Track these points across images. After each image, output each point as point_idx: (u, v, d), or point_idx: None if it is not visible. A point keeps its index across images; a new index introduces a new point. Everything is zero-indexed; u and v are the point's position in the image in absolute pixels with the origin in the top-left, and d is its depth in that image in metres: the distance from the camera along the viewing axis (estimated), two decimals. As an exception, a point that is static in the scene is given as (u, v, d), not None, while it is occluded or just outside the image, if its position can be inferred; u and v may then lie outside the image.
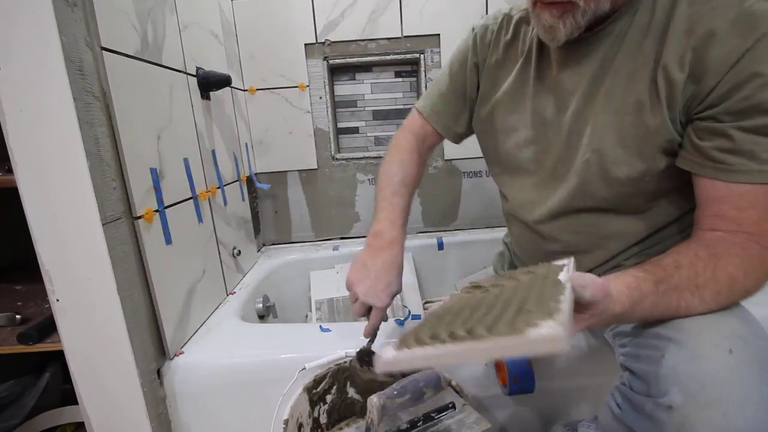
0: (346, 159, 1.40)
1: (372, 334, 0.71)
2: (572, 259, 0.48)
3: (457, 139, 0.82)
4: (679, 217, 0.61)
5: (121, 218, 0.65)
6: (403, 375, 0.65)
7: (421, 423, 0.59)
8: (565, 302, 0.36)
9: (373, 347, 0.70)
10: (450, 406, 0.61)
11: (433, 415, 0.60)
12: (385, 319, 0.73)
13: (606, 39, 0.57)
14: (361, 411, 0.74)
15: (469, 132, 0.81)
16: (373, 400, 0.58)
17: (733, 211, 0.50)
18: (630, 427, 0.48)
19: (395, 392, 0.59)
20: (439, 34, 1.31)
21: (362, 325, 0.84)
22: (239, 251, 1.12)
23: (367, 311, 0.70)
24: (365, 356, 0.69)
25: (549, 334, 0.33)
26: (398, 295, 1.24)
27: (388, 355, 0.39)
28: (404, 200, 0.77)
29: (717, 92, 0.49)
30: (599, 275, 0.51)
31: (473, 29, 0.76)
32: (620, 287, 0.46)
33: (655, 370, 0.47)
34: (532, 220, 0.70)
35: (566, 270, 0.45)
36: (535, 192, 0.69)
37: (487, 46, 0.74)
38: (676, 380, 0.44)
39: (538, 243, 0.72)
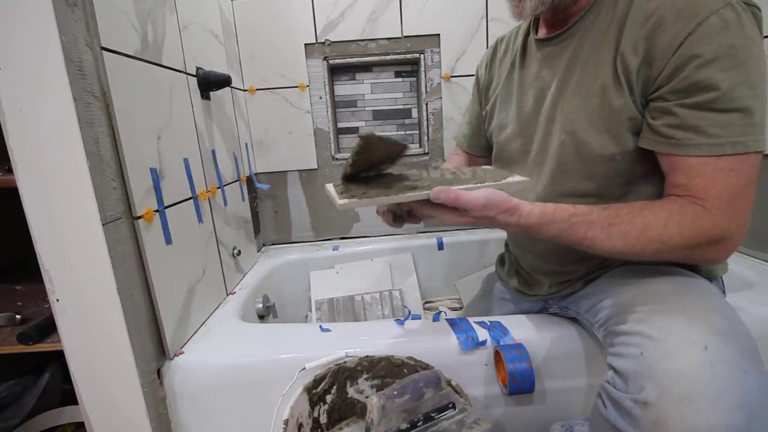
0: (346, 159, 1.39)
1: None
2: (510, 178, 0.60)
3: (482, 151, 0.94)
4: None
5: (121, 218, 0.65)
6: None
7: (421, 423, 0.59)
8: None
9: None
10: (450, 406, 0.61)
11: (433, 415, 0.60)
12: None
13: (576, 34, 0.64)
14: (361, 411, 0.74)
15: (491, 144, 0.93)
16: (373, 400, 0.58)
17: (683, 179, 0.54)
18: (613, 425, 0.49)
19: (395, 392, 0.59)
20: (439, 34, 1.31)
21: (362, 324, 0.84)
22: (239, 251, 1.12)
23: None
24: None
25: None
26: (398, 295, 1.24)
27: (341, 201, 0.55)
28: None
29: (663, 74, 0.53)
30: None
31: (477, 68, 0.91)
32: (535, 209, 0.57)
33: (634, 367, 0.49)
34: None
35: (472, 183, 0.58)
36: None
37: (485, 72, 0.86)
38: (651, 377, 0.46)
39: (528, 236, 0.73)
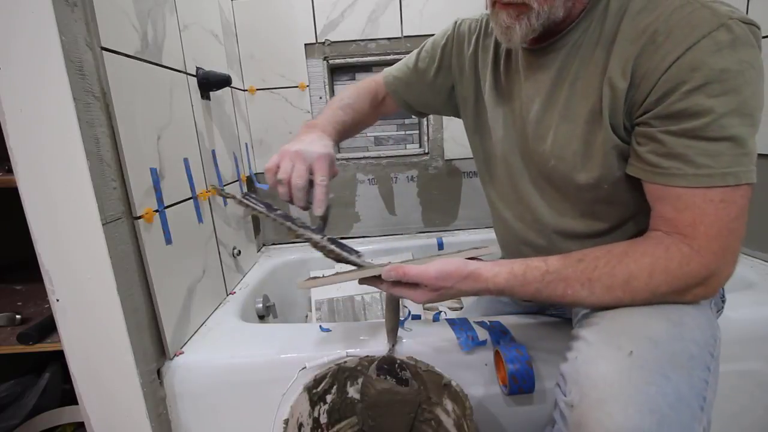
0: (346, 159, 1.40)
1: (392, 340, 0.72)
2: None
3: (404, 105, 0.85)
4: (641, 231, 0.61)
5: (121, 218, 0.65)
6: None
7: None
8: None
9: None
10: None
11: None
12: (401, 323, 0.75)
13: (563, 49, 0.59)
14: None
15: (420, 110, 0.86)
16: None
17: (672, 212, 0.51)
18: (557, 424, 0.51)
19: None
20: (439, 34, 1.31)
21: (362, 324, 0.84)
22: (239, 251, 1.12)
23: (303, 181, 0.62)
24: (384, 365, 0.69)
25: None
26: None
27: (301, 281, 0.65)
28: (346, 116, 0.79)
29: (651, 98, 0.50)
30: None
31: (456, 21, 0.79)
32: (502, 271, 0.55)
33: (567, 369, 0.50)
34: (511, 222, 0.72)
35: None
36: (512, 192, 0.71)
37: (466, 41, 0.76)
38: (576, 380, 0.47)
39: (519, 249, 0.74)
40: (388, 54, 1.33)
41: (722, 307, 0.70)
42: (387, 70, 0.86)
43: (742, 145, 0.47)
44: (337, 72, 1.40)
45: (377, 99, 0.85)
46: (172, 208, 0.79)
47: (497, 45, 0.72)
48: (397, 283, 0.58)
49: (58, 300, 0.62)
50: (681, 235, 0.50)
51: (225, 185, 1.07)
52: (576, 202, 0.63)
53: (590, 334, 0.51)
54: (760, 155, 0.58)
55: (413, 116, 0.90)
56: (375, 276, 0.60)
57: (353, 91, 0.84)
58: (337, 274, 0.65)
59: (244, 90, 1.31)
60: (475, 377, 0.74)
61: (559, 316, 0.79)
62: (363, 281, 0.62)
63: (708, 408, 0.45)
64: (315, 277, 0.64)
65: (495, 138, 0.73)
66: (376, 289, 1.25)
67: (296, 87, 1.33)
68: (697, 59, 0.46)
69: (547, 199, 0.66)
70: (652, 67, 0.49)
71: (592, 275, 0.52)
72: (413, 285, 0.58)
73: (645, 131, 0.51)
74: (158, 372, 0.73)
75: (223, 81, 0.98)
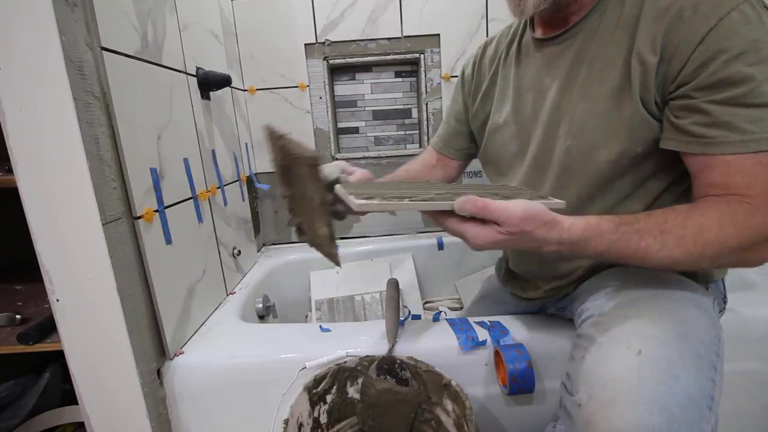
0: (346, 159, 1.40)
1: (392, 340, 0.72)
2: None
3: (456, 155, 0.90)
4: (651, 204, 0.62)
5: (121, 218, 0.65)
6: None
7: None
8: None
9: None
10: None
11: None
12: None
13: (579, 35, 0.62)
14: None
15: (470, 147, 0.89)
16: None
17: (721, 177, 0.51)
18: (564, 423, 0.51)
19: None
20: (439, 34, 1.31)
21: (362, 324, 0.84)
22: (239, 251, 1.12)
23: None
24: (384, 365, 0.69)
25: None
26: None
27: (359, 201, 0.50)
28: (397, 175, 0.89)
29: (686, 71, 0.51)
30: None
31: (463, 68, 0.87)
32: (578, 222, 0.50)
33: (575, 369, 0.50)
34: None
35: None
36: (523, 185, 0.71)
37: (473, 72, 0.83)
38: (585, 379, 0.48)
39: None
40: (388, 54, 1.33)
41: (724, 308, 0.70)
42: (432, 140, 0.94)
43: None
44: (337, 72, 1.40)
45: (431, 164, 0.91)
46: (172, 208, 0.79)
47: (506, 51, 0.75)
48: (464, 220, 0.49)
49: (58, 300, 0.62)
50: (737, 196, 0.50)
51: (225, 185, 1.07)
52: (591, 182, 0.62)
53: (598, 334, 0.51)
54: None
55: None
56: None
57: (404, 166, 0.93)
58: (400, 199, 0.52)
59: (244, 90, 1.31)
60: (475, 377, 0.74)
61: (559, 316, 0.79)
62: (426, 213, 0.52)
63: (715, 407, 0.45)
64: (368, 197, 0.51)
65: (504, 133, 0.74)
66: (376, 289, 1.25)
67: (296, 87, 1.33)
68: (730, 29, 0.48)
69: (564, 190, 0.65)
70: (685, 40, 0.50)
71: (664, 227, 0.49)
72: (483, 222, 0.48)
73: (685, 104, 0.52)
74: (158, 372, 0.73)
75: (223, 81, 0.98)
